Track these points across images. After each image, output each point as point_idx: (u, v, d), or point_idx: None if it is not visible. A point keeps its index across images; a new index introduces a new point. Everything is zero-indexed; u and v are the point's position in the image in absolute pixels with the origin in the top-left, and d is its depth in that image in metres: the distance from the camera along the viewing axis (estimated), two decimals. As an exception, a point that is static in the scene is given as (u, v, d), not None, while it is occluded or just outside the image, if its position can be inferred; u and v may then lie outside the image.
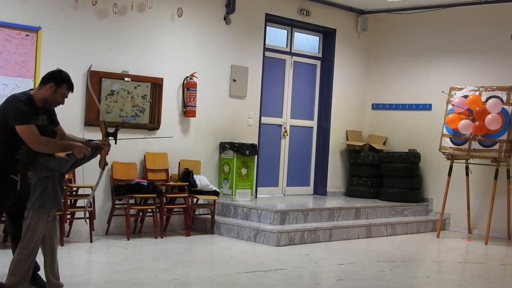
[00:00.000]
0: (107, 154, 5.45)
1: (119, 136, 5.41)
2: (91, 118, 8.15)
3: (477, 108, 9.51)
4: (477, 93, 9.74)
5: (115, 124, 5.73)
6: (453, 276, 7.42)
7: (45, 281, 5.24)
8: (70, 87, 5.29)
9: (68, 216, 7.78)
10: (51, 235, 5.12)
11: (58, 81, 5.22)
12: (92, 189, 5.88)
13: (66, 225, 7.77)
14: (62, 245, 7.38)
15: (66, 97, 5.28)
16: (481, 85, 9.84)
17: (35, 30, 7.71)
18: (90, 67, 5.73)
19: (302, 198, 10.73)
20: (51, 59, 7.76)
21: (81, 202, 7.88)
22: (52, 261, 5.15)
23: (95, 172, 5.73)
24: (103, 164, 5.45)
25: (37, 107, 5.19)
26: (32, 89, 5.37)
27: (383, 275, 6.94)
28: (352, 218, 9.77)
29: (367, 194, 11.20)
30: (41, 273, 5.46)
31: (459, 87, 10.01)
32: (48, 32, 7.80)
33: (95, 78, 8.21)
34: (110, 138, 5.47)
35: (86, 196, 7.81)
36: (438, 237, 9.90)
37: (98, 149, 5.39)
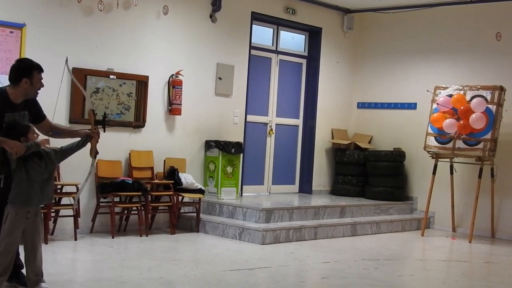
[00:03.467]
0: (97, 142, 5.45)
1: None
2: (76, 116, 8.11)
3: (462, 107, 9.56)
4: (461, 92, 9.79)
5: (102, 113, 5.72)
6: (437, 274, 7.46)
7: (24, 277, 5.24)
8: (41, 69, 5.29)
9: (53, 214, 7.73)
10: (32, 231, 5.09)
11: (28, 73, 5.20)
12: (80, 186, 5.87)
13: (51, 223, 7.72)
14: (46, 243, 7.34)
15: (42, 78, 5.27)
16: (466, 84, 9.89)
17: (20, 27, 7.65)
18: (66, 60, 5.71)
19: (288, 197, 10.74)
20: (36, 56, 7.62)
21: (65, 200, 7.84)
22: (33, 258, 5.13)
23: (82, 171, 5.74)
24: (94, 153, 5.46)
25: (13, 103, 5.16)
26: (9, 85, 5.29)
27: (367, 273, 6.96)
28: (337, 216, 9.80)
29: (352, 193, 11.24)
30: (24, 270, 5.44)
31: (444, 86, 10.06)
32: (32, 29, 7.75)
33: (80, 76, 8.16)
34: (99, 126, 5.46)
35: (71, 194, 7.79)
36: (423, 236, 9.95)
37: (88, 138, 5.38)
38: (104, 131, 5.50)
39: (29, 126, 5.19)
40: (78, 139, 5.45)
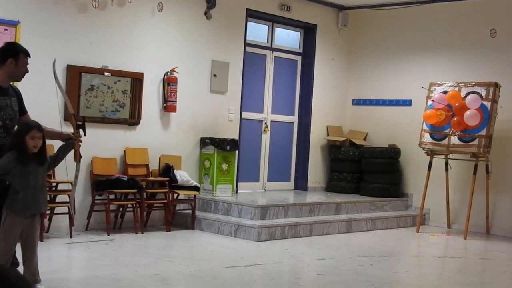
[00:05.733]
0: (79, 146, 5.45)
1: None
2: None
3: (457, 104, 9.58)
4: (456, 88, 9.80)
5: (81, 117, 5.72)
6: (432, 270, 7.48)
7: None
8: (27, 54, 5.28)
9: (48, 212, 7.72)
10: (30, 233, 5.06)
11: (14, 54, 5.21)
12: (72, 185, 5.85)
13: (46, 221, 7.71)
14: (41, 240, 7.32)
15: (27, 65, 5.26)
16: (461, 81, 9.91)
17: (14, 24, 7.63)
18: (54, 61, 5.72)
19: (283, 193, 10.75)
20: (30, 54, 7.67)
21: (60, 198, 7.82)
22: (31, 259, 5.11)
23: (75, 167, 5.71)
24: (78, 157, 5.45)
25: (1, 87, 5.15)
26: None
27: (363, 270, 6.97)
28: (333, 213, 9.81)
29: (347, 189, 11.25)
30: (20, 268, 5.43)
31: (438, 82, 10.07)
32: (27, 26, 7.73)
33: (75, 73, 8.16)
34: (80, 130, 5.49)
35: (65, 191, 7.77)
36: (418, 232, 9.96)
37: (71, 142, 5.36)
38: (85, 135, 5.50)
39: (38, 125, 5.11)
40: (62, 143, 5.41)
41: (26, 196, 4.95)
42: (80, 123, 5.48)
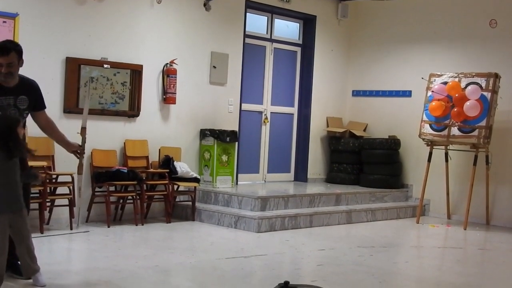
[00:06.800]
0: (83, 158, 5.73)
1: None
2: (70, 105, 8.10)
3: (456, 95, 9.57)
4: (456, 79, 9.79)
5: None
6: (432, 261, 7.49)
7: (19, 267, 5.27)
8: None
9: (48, 204, 7.73)
10: (19, 225, 5.03)
11: None
12: (77, 194, 5.97)
13: (46, 213, 7.71)
14: (42, 232, 7.35)
15: (3, 65, 5.08)
16: (461, 71, 9.89)
17: (13, 16, 7.61)
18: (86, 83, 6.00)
19: (283, 185, 10.75)
20: (29, 46, 7.66)
21: (60, 190, 7.83)
22: (25, 250, 5.11)
23: (76, 160, 5.77)
24: (82, 169, 5.69)
25: (3, 87, 5.13)
26: None
27: (363, 261, 6.98)
28: (333, 204, 9.82)
29: (347, 181, 11.26)
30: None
31: (438, 73, 10.06)
32: (26, 18, 7.70)
33: (74, 65, 8.14)
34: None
35: (66, 183, 7.78)
36: (418, 223, 9.97)
37: (35, 178, 5.38)
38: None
39: (19, 121, 5.09)
40: None
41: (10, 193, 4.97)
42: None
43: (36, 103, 5.39)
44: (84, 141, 5.67)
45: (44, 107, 5.50)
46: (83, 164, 5.78)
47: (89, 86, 5.96)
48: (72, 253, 7.03)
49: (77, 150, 5.66)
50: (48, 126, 5.58)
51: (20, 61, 5.21)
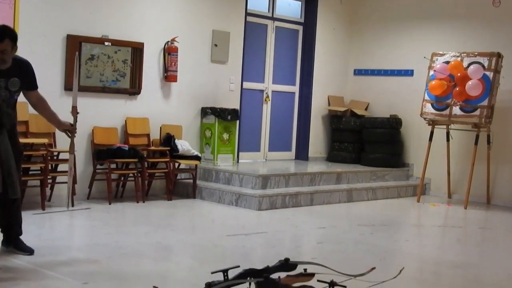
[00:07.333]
0: (74, 138, 5.71)
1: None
2: (71, 83, 8.05)
3: (459, 74, 9.54)
4: (459, 59, 9.75)
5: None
6: (432, 239, 7.52)
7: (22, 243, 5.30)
8: None
9: (50, 181, 7.74)
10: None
11: None
12: (68, 174, 5.92)
13: (47, 190, 7.72)
14: (43, 209, 7.37)
15: None
16: (463, 51, 9.85)
17: (13, -7, 7.58)
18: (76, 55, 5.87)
19: (284, 163, 10.76)
20: (30, 24, 7.67)
21: (62, 167, 7.82)
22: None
23: (76, 137, 5.77)
24: (73, 149, 5.69)
25: None
26: None
27: (363, 239, 7.00)
28: (333, 182, 9.83)
29: (348, 160, 11.26)
30: (23, 237, 5.47)
31: (441, 52, 10.02)
32: (26, -6, 7.67)
33: (75, 43, 8.11)
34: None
35: (67, 160, 7.77)
36: (418, 202, 9.99)
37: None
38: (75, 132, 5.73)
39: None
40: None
41: None
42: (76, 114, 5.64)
43: (28, 83, 5.34)
44: (75, 120, 5.62)
45: (36, 87, 5.43)
46: (74, 143, 5.73)
47: (77, 64, 5.87)
48: (74, 229, 7.05)
49: (68, 129, 5.65)
50: (39, 104, 5.50)
51: (14, 48, 5.13)
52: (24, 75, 5.28)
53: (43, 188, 7.45)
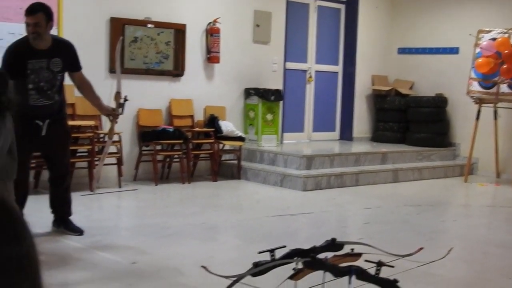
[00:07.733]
0: (116, 123, 5.67)
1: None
2: (115, 65, 8.13)
3: (506, 51, 9.33)
4: (506, 35, 9.53)
5: (122, 96, 5.65)
6: (480, 219, 7.41)
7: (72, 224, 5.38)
8: (26, 13, 5.09)
9: (96, 163, 7.83)
10: None
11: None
12: (100, 159, 5.94)
13: (95, 171, 7.82)
14: (92, 190, 7.46)
15: (30, 25, 5.07)
16: (510, 27, 9.62)
17: (58, -24, 7.64)
18: (121, 39, 5.81)
19: (328, 144, 10.70)
20: (74, 7, 7.73)
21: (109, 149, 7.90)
22: None
23: (122, 119, 5.81)
24: (112, 134, 5.69)
25: (35, 49, 5.10)
26: None
27: (410, 219, 6.93)
28: (379, 163, 9.74)
29: (393, 139, 11.13)
30: (73, 218, 5.56)
31: (487, 29, 9.80)
32: (70, -22, 7.74)
33: (118, 25, 8.16)
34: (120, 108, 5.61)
35: (114, 142, 7.86)
36: (466, 182, 9.84)
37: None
38: (122, 113, 5.65)
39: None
40: None
41: None
42: (123, 101, 5.55)
43: (70, 64, 5.32)
44: (117, 105, 5.55)
45: (80, 68, 5.41)
46: (114, 129, 5.69)
47: (119, 48, 5.85)
48: (121, 210, 7.15)
49: (110, 114, 5.65)
50: (83, 87, 5.50)
51: (48, 24, 5.12)
52: (66, 56, 5.27)
53: (91, 170, 7.55)
